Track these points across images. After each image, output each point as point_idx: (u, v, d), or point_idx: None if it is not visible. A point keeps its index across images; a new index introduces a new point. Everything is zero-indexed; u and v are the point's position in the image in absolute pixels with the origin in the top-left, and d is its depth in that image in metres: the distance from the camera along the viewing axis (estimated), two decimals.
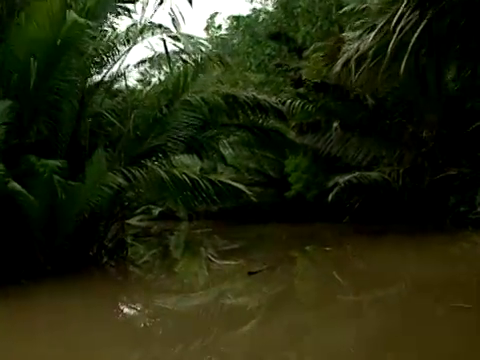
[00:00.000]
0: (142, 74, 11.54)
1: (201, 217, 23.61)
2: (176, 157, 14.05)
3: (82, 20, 7.67)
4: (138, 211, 25.59)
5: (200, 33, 29.37)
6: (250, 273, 7.35)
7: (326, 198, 13.97)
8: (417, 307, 5.78)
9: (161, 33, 9.81)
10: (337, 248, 11.08)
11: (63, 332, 5.54)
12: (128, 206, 12.57)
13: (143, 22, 9.84)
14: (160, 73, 14.27)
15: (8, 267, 7.85)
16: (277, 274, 8.33)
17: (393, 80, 12.73)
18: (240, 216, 19.83)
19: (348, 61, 9.40)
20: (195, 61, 11.06)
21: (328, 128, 13.14)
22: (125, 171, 8.77)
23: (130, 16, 10.44)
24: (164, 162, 10.55)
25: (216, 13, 30.79)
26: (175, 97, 10.28)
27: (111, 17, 10.18)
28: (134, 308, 7.46)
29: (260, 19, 22.66)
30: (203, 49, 10.50)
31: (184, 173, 8.97)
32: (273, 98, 12.32)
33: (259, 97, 11.87)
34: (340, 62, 9.59)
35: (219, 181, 9.13)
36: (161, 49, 10.27)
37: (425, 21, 7.72)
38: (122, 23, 10.57)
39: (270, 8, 23.06)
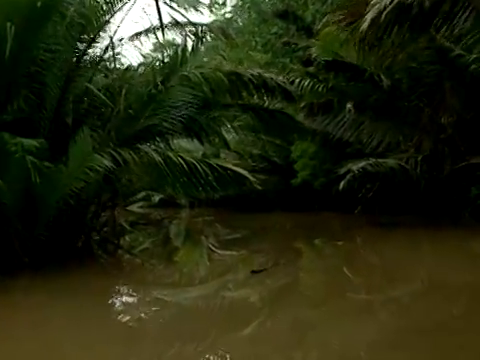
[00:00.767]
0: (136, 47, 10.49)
1: (203, 205, 23.21)
2: (175, 141, 13.18)
3: None
4: (138, 197, 25.14)
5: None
6: (253, 272, 6.39)
7: (335, 186, 13.09)
8: (431, 307, 5.26)
9: None
10: (349, 241, 10.13)
11: (43, 330, 4.91)
12: (120, 192, 11.66)
13: None
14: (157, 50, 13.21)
15: None
16: (283, 270, 7.34)
17: (412, 58, 11.79)
18: (243, 204, 19.28)
19: (380, 15, 8.16)
20: (195, 34, 10.10)
21: (340, 110, 12.10)
22: (114, 153, 7.78)
23: None
24: (161, 145, 9.62)
25: None
26: (172, 72, 9.27)
27: None
28: (124, 303, 6.55)
29: None
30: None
31: (180, 156, 7.97)
32: (280, 77, 11.28)
33: (265, 75, 10.86)
34: (369, 16, 8.27)
35: (219, 165, 8.11)
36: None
37: None
38: None
39: None
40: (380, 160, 11.02)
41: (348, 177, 10.69)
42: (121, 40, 10.44)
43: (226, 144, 13.31)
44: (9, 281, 6.70)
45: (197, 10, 8.98)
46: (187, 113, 9.59)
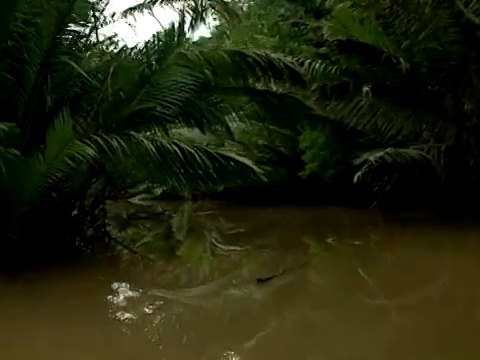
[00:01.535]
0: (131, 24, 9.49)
1: (206, 197, 22.55)
2: (174, 129, 12.20)
3: None
4: (139, 189, 24.29)
5: None
6: (260, 280, 5.37)
7: (346, 179, 12.09)
8: (454, 316, 4.67)
9: None
10: (364, 239, 9.12)
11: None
12: (117, 184, 10.70)
13: None
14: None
15: None
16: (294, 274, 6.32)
17: (433, 38, 10.72)
18: (248, 197, 18.53)
19: None
20: (194, 9, 9.07)
21: (356, 94, 11.01)
22: (100, 140, 6.76)
23: None
24: (157, 132, 8.63)
25: None
26: (168, 50, 8.23)
27: None
28: (112, 309, 5.76)
29: None
30: None
31: (174, 143, 6.93)
32: (289, 58, 10.20)
33: (272, 56, 9.79)
34: None
35: (220, 155, 7.04)
36: None
37: None
38: None
39: None
40: (400, 150, 9.94)
41: (364, 168, 9.63)
42: (113, 16, 9.47)
43: (230, 132, 12.24)
44: None
45: None
46: (185, 97, 8.57)
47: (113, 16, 9.36)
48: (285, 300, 5.50)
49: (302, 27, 13.26)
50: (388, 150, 9.79)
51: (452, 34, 10.47)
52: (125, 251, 9.03)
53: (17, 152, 5.67)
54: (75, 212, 8.21)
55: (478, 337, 4.03)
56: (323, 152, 15.93)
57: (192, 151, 6.97)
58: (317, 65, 10.79)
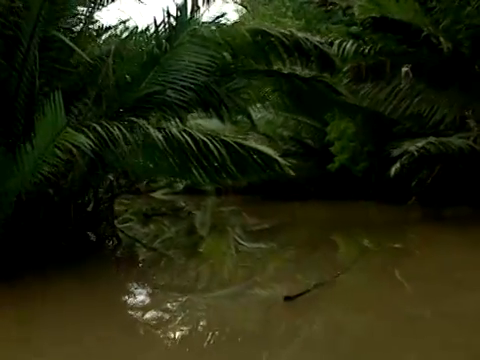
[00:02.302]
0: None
1: (230, 192, 21.72)
2: (193, 121, 11.27)
3: None
4: (160, 184, 23.61)
5: None
6: (287, 298, 4.36)
7: (378, 172, 11.04)
8: None
9: None
10: (406, 242, 8.00)
11: None
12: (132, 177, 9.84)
13: None
14: None
15: None
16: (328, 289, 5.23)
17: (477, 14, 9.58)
18: (273, 192, 17.90)
19: None
20: None
21: (393, 76, 9.87)
22: (98, 128, 5.83)
23: None
24: (171, 122, 7.68)
25: None
26: (180, 27, 7.26)
27: None
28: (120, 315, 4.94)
29: None
30: None
31: (186, 131, 5.96)
32: (317, 37, 9.15)
33: (299, 35, 8.76)
34: None
35: (239, 144, 6.04)
36: None
37: None
38: None
39: None
40: (444, 139, 8.80)
41: (404, 159, 8.54)
42: None
43: (252, 123, 11.21)
44: None
45: None
46: (201, 81, 7.61)
47: None
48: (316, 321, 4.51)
49: (330, 7, 12.15)
50: (431, 139, 8.67)
51: None
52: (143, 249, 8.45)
53: None
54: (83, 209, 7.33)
55: None
56: (353, 143, 15.09)
57: (206, 140, 5.98)
58: (348, 45, 9.69)
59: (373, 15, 9.63)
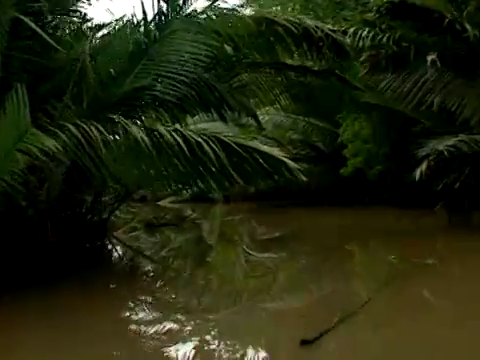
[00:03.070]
0: None
1: (239, 199, 20.86)
2: (197, 124, 10.38)
3: None
4: (166, 192, 22.88)
5: None
6: (304, 342, 3.40)
7: (397, 175, 10.02)
8: None
9: None
10: (439, 258, 6.91)
11: None
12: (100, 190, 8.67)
13: None
14: None
15: None
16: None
17: None
18: (283, 198, 17.29)
19: None
20: None
21: (416, 66, 8.84)
22: (72, 128, 4.89)
23: None
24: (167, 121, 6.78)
25: None
26: (172, 11, 6.32)
27: None
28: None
29: None
30: None
31: (177, 131, 4.99)
32: (329, 26, 8.19)
33: (308, 23, 7.81)
34: None
35: (238, 144, 5.06)
36: None
37: None
38: None
39: None
40: (477, 137, 7.76)
41: (430, 160, 7.52)
42: None
43: (259, 123, 10.27)
44: None
45: None
46: (198, 74, 6.68)
47: None
48: None
49: None
50: (462, 136, 7.65)
51: None
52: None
53: None
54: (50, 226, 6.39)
55: None
56: (368, 145, 14.14)
57: (201, 141, 5.01)
58: (364, 33, 8.69)
59: (391, 0, 8.66)
